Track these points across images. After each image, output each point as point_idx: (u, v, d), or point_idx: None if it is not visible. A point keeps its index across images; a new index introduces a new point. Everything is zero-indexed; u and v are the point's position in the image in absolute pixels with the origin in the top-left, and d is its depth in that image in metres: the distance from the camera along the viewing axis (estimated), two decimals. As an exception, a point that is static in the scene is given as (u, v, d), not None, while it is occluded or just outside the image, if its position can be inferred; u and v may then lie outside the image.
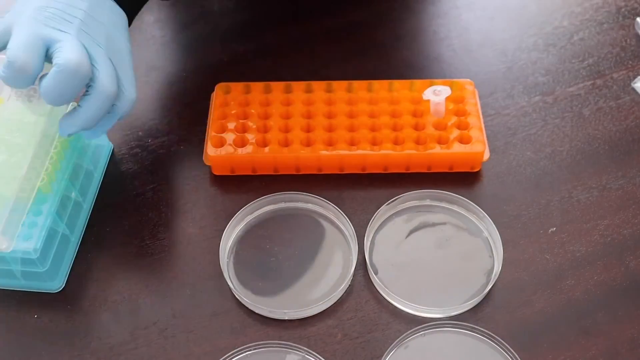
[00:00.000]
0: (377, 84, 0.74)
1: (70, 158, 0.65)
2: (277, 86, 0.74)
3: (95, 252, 0.66)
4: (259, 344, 0.60)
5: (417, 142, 0.69)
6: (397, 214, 0.68)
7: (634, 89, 0.76)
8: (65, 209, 0.64)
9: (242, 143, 0.70)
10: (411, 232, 0.66)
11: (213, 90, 0.74)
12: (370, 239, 0.65)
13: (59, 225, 0.63)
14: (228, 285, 0.63)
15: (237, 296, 0.62)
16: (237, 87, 0.74)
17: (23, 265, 0.61)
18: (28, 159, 0.59)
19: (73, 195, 0.65)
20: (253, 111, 0.72)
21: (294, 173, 0.71)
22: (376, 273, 0.63)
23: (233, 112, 0.72)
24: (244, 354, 0.60)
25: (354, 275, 0.63)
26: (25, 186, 0.59)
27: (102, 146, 0.72)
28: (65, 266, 0.64)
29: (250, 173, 0.71)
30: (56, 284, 0.63)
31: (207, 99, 0.76)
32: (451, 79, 0.74)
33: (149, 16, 0.86)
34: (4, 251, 0.58)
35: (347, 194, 0.69)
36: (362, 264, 0.64)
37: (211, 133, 0.70)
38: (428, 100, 0.71)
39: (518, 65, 0.79)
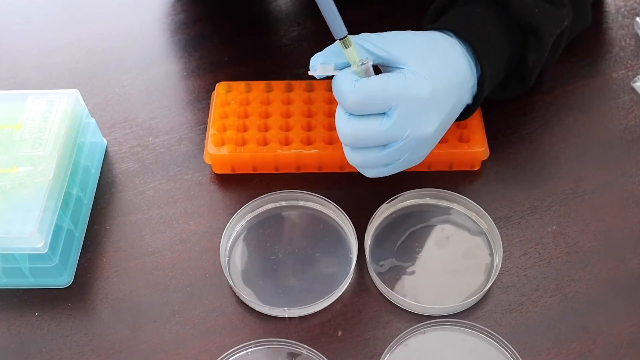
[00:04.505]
0: (377, 83, 0.74)
1: (70, 155, 0.65)
2: (278, 85, 0.74)
3: (96, 250, 0.66)
4: (259, 342, 0.60)
5: (417, 140, 0.69)
6: (397, 212, 0.68)
7: (633, 89, 0.76)
8: (68, 205, 0.64)
9: (243, 142, 0.70)
10: (411, 230, 0.67)
11: (214, 89, 0.74)
12: (370, 237, 0.66)
13: (63, 220, 0.63)
14: (228, 283, 0.63)
15: (237, 294, 0.63)
16: (237, 86, 0.74)
17: (32, 262, 0.61)
18: (53, 165, 0.62)
19: (75, 191, 0.65)
20: (254, 110, 0.72)
21: (295, 172, 0.71)
22: (376, 271, 0.63)
23: (234, 111, 0.72)
24: (244, 351, 0.60)
25: (354, 273, 0.64)
26: (53, 189, 0.61)
27: (96, 143, 0.72)
28: (73, 261, 0.65)
29: (250, 172, 0.71)
30: (65, 279, 0.64)
31: (208, 98, 0.76)
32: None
33: (149, 15, 0.86)
34: (40, 251, 0.59)
35: (347, 193, 0.69)
36: (362, 262, 0.64)
37: (212, 132, 0.70)
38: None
39: (518, 65, 0.79)
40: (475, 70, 0.63)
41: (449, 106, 0.61)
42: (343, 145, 0.61)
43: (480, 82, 0.64)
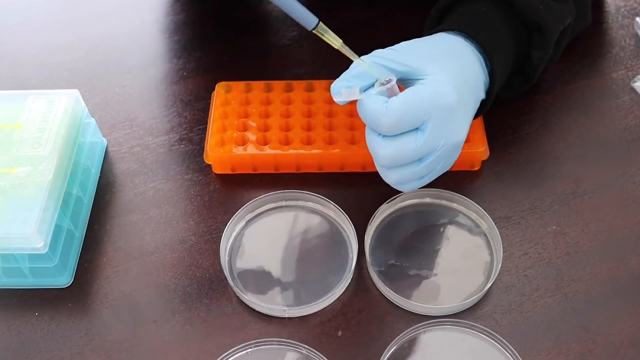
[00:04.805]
0: (377, 83, 0.74)
1: (70, 155, 0.65)
2: (278, 85, 0.74)
3: (96, 250, 0.66)
4: (259, 342, 0.60)
5: (417, 140, 0.69)
6: (397, 212, 0.68)
7: (633, 89, 0.76)
8: (68, 204, 0.64)
9: (243, 142, 0.70)
10: (411, 230, 0.67)
11: (214, 89, 0.74)
12: (370, 237, 0.66)
13: (63, 220, 0.63)
14: (228, 283, 0.63)
15: (237, 294, 0.63)
16: (237, 85, 0.74)
17: (32, 262, 0.61)
18: (53, 165, 0.62)
19: (75, 191, 0.65)
20: (254, 110, 0.72)
21: (295, 172, 0.71)
22: (376, 271, 0.63)
23: (234, 110, 0.72)
24: (244, 351, 0.60)
25: (354, 273, 0.64)
26: (53, 189, 0.61)
27: (96, 143, 0.72)
28: (73, 261, 0.65)
29: (250, 172, 0.71)
30: (65, 279, 0.64)
31: (208, 98, 0.76)
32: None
33: (149, 15, 0.86)
34: (40, 251, 0.59)
35: (347, 193, 0.69)
36: (362, 262, 0.64)
37: (212, 132, 0.70)
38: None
39: (518, 65, 0.79)
40: (485, 68, 0.63)
41: (471, 107, 0.61)
42: (377, 166, 0.60)
43: (491, 81, 0.64)
